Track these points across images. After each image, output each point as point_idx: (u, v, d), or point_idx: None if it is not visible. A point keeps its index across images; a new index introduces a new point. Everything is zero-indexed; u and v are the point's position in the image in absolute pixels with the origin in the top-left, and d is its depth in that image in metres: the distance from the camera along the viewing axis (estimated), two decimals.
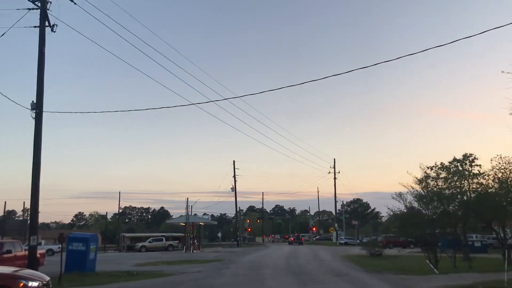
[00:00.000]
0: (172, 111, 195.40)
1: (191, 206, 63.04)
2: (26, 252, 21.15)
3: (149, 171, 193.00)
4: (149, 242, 55.11)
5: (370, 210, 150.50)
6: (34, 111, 17.92)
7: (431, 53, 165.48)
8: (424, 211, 24.27)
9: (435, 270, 19.32)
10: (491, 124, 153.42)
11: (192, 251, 46.03)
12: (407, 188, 24.49)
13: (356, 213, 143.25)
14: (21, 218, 61.76)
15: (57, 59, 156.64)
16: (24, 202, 58.15)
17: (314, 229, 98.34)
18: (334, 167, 73.23)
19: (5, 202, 55.48)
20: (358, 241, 73.47)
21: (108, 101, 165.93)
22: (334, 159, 74.29)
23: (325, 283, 15.42)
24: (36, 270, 17.21)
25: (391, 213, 24.81)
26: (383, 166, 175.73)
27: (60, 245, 46.23)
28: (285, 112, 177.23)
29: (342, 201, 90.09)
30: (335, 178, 72.64)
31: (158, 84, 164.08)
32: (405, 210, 24.53)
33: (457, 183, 28.42)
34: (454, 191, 27.78)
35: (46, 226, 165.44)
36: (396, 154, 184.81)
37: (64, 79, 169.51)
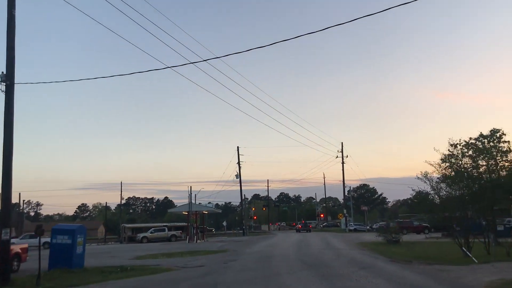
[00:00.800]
0: (177, 100, 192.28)
1: (195, 195, 60.69)
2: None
3: (152, 161, 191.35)
4: (151, 232, 52.88)
5: (377, 195, 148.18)
6: (4, 83, 15.30)
7: (432, 39, 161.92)
8: (453, 193, 21.57)
9: (474, 259, 16.73)
10: (500, 107, 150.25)
11: (196, 241, 43.71)
12: (434, 167, 21.74)
13: (363, 198, 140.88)
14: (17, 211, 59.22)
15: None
16: (19, 194, 55.83)
17: (322, 215, 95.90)
18: (342, 151, 70.55)
19: None
20: (368, 227, 71.07)
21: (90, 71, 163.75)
22: (342, 143, 71.61)
23: (352, 278, 12.83)
24: (8, 267, 14.79)
25: (415, 195, 22.07)
26: (390, 151, 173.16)
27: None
28: (291, 94, 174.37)
29: (350, 187, 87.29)
30: (343, 163, 69.99)
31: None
32: (431, 192, 21.90)
33: (484, 161, 25.74)
34: (482, 170, 25.10)
35: (50, 218, 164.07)
36: (403, 139, 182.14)
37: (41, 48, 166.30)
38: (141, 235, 52.54)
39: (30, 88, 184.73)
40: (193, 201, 46.37)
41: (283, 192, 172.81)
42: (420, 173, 21.68)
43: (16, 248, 18.81)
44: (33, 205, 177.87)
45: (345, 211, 70.28)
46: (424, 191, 22.38)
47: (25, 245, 19.99)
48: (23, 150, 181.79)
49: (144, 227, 57.47)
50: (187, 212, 45.82)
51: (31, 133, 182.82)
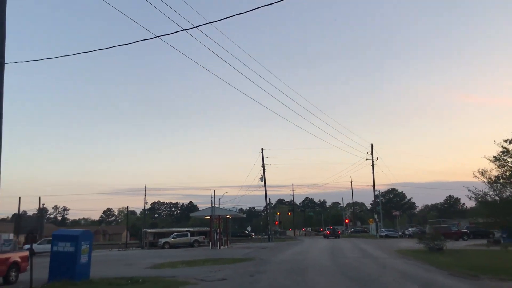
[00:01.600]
0: (202, 99, 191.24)
1: (219, 199, 58.32)
2: (7, 255, 16.56)
3: (177, 166, 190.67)
4: (173, 238, 50.66)
5: (406, 200, 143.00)
6: None
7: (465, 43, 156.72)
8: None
9: None
10: None
11: (219, 247, 41.19)
12: (495, 164, 18.60)
13: (391, 203, 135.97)
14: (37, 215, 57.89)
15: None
16: (39, 198, 54.41)
17: (347, 221, 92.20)
18: (372, 153, 67.15)
19: (20, 197, 51.92)
20: (399, 233, 67.33)
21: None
22: (372, 144, 68.18)
23: None
24: None
25: (474, 197, 18.94)
26: (419, 154, 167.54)
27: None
28: (319, 96, 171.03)
29: (378, 191, 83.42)
30: (373, 165, 66.54)
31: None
32: (490, 192, 18.80)
33: None
34: None
35: (76, 223, 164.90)
36: (432, 142, 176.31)
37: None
38: (163, 240, 50.38)
39: (58, 93, 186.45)
40: (216, 206, 43.92)
41: (308, 197, 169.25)
42: (477, 171, 18.67)
43: (14, 256, 16.59)
44: (60, 210, 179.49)
45: (375, 216, 66.72)
46: (480, 193, 19.26)
47: (25, 253, 17.72)
48: (50, 154, 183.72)
49: (166, 232, 55.30)
50: (210, 216, 43.40)
51: (55, 138, 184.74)
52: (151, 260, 27.43)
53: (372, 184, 67.15)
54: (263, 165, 64.49)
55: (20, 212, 53.49)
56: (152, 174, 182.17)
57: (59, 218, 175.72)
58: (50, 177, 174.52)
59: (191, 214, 74.34)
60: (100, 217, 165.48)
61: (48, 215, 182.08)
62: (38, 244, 43.13)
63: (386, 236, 64.27)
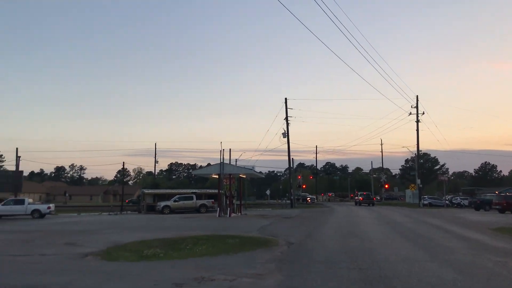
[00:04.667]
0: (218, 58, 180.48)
1: (236, 160, 48.58)
2: None
3: (196, 128, 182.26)
4: (174, 201, 41.36)
5: (438, 166, 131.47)
6: None
7: None
8: None
9: None
10: None
11: (229, 215, 31.68)
12: None
13: (423, 169, 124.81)
14: (11, 169, 48.99)
15: None
16: (16, 149, 45.24)
17: (387, 186, 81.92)
18: (417, 107, 55.87)
19: (17, 149, 43.15)
20: (446, 201, 57.00)
21: None
22: (417, 96, 56.79)
23: None
24: None
25: None
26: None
27: (49, 205, 32.32)
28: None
29: (414, 153, 72.23)
30: (417, 121, 55.40)
31: None
32: None
33: None
34: None
35: (94, 181, 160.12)
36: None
37: None
38: (162, 203, 41.11)
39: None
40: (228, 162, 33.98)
41: (329, 162, 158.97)
42: None
43: None
44: (76, 169, 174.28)
45: (418, 181, 56.12)
46: None
47: None
48: (66, 113, 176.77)
49: (168, 193, 45.96)
50: (217, 175, 33.63)
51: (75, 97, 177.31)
52: (123, 234, 18.02)
53: (417, 141, 56.38)
54: (286, 118, 54.23)
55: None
56: (170, 135, 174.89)
57: (76, 177, 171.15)
58: (68, 136, 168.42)
59: (193, 172, 65.02)
60: (114, 177, 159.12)
61: (65, 174, 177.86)
62: (2, 205, 34.32)
63: (430, 205, 54.14)
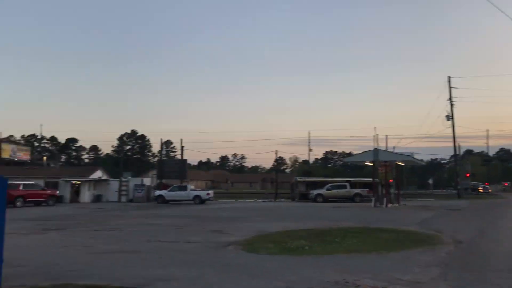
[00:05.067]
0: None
1: (393, 147, 45.58)
2: None
3: (353, 116, 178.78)
4: (327, 189, 40.26)
5: None
6: None
7: None
8: None
9: None
10: None
11: (386, 205, 29.31)
12: None
13: None
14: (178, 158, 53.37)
15: None
16: (181, 140, 49.37)
17: None
18: None
19: (161, 139, 47.68)
20: None
21: None
22: None
23: None
24: None
25: None
26: None
27: (208, 191, 34.11)
28: None
29: None
30: None
31: None
32: None
33: None
34: None
35: (254, 169, 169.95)
36: None
37: None
38: (315, 192, 40.40)
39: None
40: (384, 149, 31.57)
41: (504, 148, 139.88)
42: None
43: None
44: (238, 158, 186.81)
45: None
46: None
47: None
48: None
49: (320, 181, 45.09)
50: (372, 162, 31.38)
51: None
52: (265, 223, 17.57)
53: None
54: (450, 99, 48.56)
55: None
56: (325, 124, 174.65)
57: (238, 166, 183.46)
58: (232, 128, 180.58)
59: (345, 159, 62.61)
60: (272, 165, 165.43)
61: (228, 163, 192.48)
62: (168, 191, 37.55)
63: None
